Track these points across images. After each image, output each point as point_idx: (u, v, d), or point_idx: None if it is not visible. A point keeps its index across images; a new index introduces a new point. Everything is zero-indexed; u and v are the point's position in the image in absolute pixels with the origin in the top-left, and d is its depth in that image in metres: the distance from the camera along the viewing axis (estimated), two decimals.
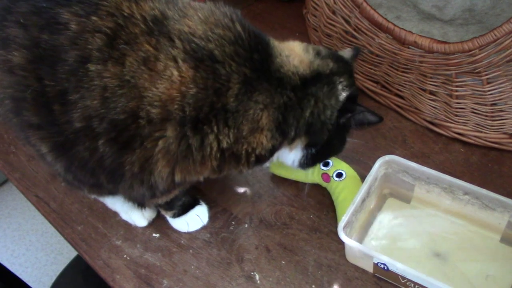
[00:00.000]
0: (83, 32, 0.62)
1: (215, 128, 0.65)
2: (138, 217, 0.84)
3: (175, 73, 0.62)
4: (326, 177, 0.84)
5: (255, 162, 0.71)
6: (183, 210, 0.83)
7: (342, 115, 0.73)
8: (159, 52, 0.62)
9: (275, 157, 0.74)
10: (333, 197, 0.83)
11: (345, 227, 0.72)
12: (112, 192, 0.79)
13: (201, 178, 0.72)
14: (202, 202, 0.85)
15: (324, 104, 0.72)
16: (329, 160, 0.85)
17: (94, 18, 0.62)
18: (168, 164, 0.65)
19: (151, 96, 0.62)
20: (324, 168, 0.85)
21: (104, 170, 0.68)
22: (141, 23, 0.63)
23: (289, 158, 0.77)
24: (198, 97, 0.63)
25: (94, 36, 0.62)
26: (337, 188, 0.82)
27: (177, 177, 0.67)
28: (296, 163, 0.77)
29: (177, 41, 0.63)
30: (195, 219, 0.83)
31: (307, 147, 0.75)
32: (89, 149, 0.66)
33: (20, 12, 0.64)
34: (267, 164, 0.75)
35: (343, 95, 0.73)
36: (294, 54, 0.71)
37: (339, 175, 0.83)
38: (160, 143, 0.63)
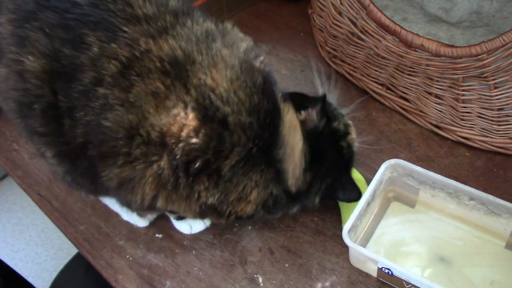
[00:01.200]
0: (102, 56, 0.62)
1: (206, 183, 0.65)
2: (139, 218, 0.84)
3: (182, 114, 0.61)
4: None
5: (234, 220, 0.72)
6: None
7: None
8: (171, 93, 0.62)
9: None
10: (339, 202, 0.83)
11: (349, 231, 0.72)
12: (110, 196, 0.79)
13: (181, 213, 0.72)
14: None
15: (307, 204, 0.76)
16: None
17: (113, 45, 0.62)
18: (155, 187, 0.65)
19: (153, 122, 0.61)
20: None
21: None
22: (157, 62, 0.62)
23: None
24: (195, 148, 0.62)
25: (110, 62, 0.62)
26: None
27: (160, 202, 0.67)
28: None
29: (192, 90, 0.62)
30: (198, 221, 0.83)
31: None
32: (90, 160, 0.66)
33: (46, 21, 0.64)
34: None
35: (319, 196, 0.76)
36: (293, 156, 0.70)
37: None
38: (155, 167, 0.63)
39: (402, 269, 0.68)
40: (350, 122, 0.80)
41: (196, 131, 0.61)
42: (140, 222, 0.84)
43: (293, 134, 0.69)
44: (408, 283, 0.69)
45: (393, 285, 0.73)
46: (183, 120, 0.61)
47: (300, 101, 0.74)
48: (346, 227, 0.72)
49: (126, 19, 0.64)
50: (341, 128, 0.77)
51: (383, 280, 0.74)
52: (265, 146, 0.65)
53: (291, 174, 0.70)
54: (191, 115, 0.61)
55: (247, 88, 0.64)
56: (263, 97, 0.65)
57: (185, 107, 0.61)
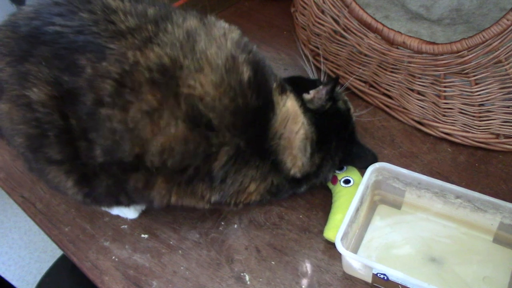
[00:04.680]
0: (96, 76, 0.65)
1: (202, 187, 0.70)
2: (129, 210, 0.84)
3: (173, 131, 0.65)
4: (334, 179, 0.84)
5: (244, 206, 0.76)
6: None
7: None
8: (163, 109, 0.64)
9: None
10: (333, 200, 0.83)
11: (342, 238, 0.71)
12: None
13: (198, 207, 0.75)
14: None
15: (317, 181, 0.81)
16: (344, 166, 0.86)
17: (104, 63, 0.65)
18: (166, 192, 0.71)
19: (152, 149, 0.66)
20: (336, 171, 0.85)
21: (126, 192, 0.73)
22: (146, 72, 0.64)
23: None
24: (185, 156, 0.66)
25: (104, 81, 0.64)
26: (338, 193, 0.82)
27: (173, 200, 0.72)
28: None
29: (182, 104, 0.65)
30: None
31: None
32: (113, 177, 0.70)
33: (41, 55, 0.67)
34: None
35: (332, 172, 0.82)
36: (290, 147, 0.73)
37: (347, 181, 0.83)
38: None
39: (399, 274, 0.67)
40: (346, 98, 0.85)
41: (185, 139, 0.65)
42: (130, 214, 0.85)
43: (290, 124, 0.73)
44: (404, 287, 0.69)
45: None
46: (173, 133, 0.65)
47: (302, 83, 0.81)
48: (339, 235, 0.71)
49: (111, 37, 0.66)
50: (342, 106, 0.83)
51: (378, 285, 0.74)
52: (254, 140, 0.68)
53: (291, 164, 0.73)
54: (181, 126, 0.65)
55: (231, 91, 0.66)
56: (250, 95, 0.67)
57: (176, 122, 0.65)
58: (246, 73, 0.68)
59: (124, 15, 0.68)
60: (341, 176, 0.84)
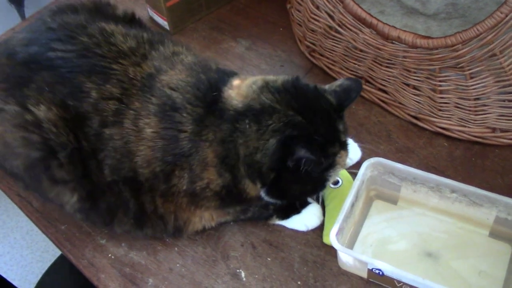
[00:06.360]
0: (101, 100, 0.69)
1: (177, 171, 0.70)
2: None
3: (148, 131, 0.69)
4: None
5: (215, 199, 0.74)
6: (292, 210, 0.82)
7: (285, 158, 0.66)
8: (142, 109, 0.70)
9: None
10: (325, 203, 0.83)
11: (337, 234, 0.71)
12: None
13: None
14: (311, 201, 0.83)
15: (253, 146, 0.67)
16: None
17: (108, 86, 0.70)
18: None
19: (140, 161, 0.70)
20: None
21: (129, 212, 0.75)
22: (139, 82, 0.71)
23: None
24: (164, 149, 0.69)
25: (108, 103, 0.69)
26: (330, 195, 0.82)
27: (161, 209, 0.75)
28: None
29: (154, 98, 0.70)
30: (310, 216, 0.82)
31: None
32: (118, 195, 0.73)
33: (44, 81, 0.70)
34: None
35: (271, 141, 0.66)
36: (237, 85, 0.72)
37: (335, 182, 0.82)
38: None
39: (394, 269, 0.67)
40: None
41: (159, 133, 0.69)
42: None
43: (245, 79, 0.74)
44: (399, 282, 0.69)
45: (384, 285, 0.73)
46: (149, 135, 0.69)
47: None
48: (334, 230, 0.71)
49: (114, 57, 0.72)
50: None
51: (374, 281, 0.74)
52: (210, 102, 0.70)
53: (235, 94, 0.71)
54: (153, 122, 0.69)
55: (195, 72, 0.73)
56: (213, 73, 0.74)
57: (150, 120, 0.69)
58: (213, 65, 0.76)
59: (123, 36, 0.75)
60: None
